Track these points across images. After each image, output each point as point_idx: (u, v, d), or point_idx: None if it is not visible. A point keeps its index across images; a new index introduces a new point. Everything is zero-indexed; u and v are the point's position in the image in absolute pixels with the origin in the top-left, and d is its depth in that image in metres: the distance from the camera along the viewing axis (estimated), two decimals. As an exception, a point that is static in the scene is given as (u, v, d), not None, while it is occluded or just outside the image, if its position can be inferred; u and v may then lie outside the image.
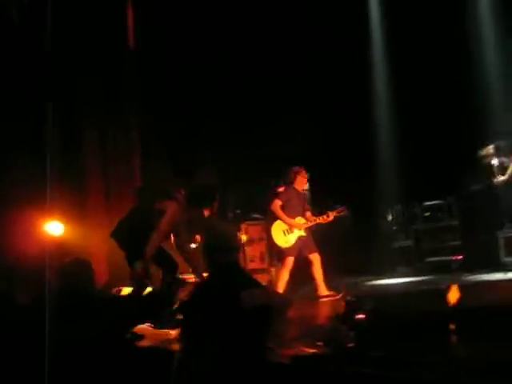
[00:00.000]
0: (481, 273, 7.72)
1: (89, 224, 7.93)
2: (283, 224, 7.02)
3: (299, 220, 7.07)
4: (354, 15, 10.52)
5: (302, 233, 7.03)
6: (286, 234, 7.01)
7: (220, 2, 9.72)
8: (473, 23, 9.75)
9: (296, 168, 7.24)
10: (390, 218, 9.96)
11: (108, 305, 5.28)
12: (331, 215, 7.11)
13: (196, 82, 9.75)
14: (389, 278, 8.83)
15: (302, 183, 7.20)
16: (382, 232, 10.02)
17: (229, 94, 9.82)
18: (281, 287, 6.86)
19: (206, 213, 5.66)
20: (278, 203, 7.03)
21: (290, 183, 7.22)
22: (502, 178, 8.40)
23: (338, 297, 6.69)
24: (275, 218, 7.07)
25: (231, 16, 9.83)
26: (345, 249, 9.18)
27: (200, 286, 4.73)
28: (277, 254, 7.11)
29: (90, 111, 8.55)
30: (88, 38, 8.31)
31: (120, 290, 6.36)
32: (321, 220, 7.12)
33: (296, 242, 6.99)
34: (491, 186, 8.55)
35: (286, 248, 7.00)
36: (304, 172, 7.21)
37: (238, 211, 8.87)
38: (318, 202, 7.60)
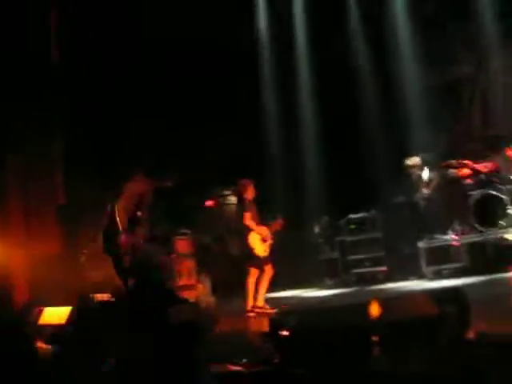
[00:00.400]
0: (403, 283, 7.97)
1: (8, 242, 7.63)
2: (257, 234, 7.06)
3: (264, 229, 7.16)
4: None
5: (271, 240, 7.15)
6: (263, 243, 7.08)
7: (147, 10, 9.63)
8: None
9: (243, 181, 7.26)
10: (316, 230, 10.10)
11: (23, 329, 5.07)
12: (280, 220, 7.26)
13: (121, 92, 9.52)
14: (316, 290, 8.95)
15: (251, 194, 7.21)
16: (309, 244, 10.14)
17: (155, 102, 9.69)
18: (261, 295, 7.00)
19: (169, 183, 6.25)
20: (249, 216, 7.04)
21: (241, 196, 7.25)
22: (425, 191, 8.68)
23: (270, 311, 6.75)
24: (249, 229, 7.04)
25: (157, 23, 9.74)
26: (272, 262, 9.21)
27: (127, 303, 4.64)
28: (252, 263, 7.07)
29: (9, 128, 8.23)
30: (11, 49, 8.07)
31: (41, 311, 6.10)
32: (277, 225, 7.23)
33: (270, 250, 7.11)
34: (413, 198, 8.83)
35: (265, 256, 7.08)
36: (251, 183, 7.24)
37: (167, 226, 8.71)
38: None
